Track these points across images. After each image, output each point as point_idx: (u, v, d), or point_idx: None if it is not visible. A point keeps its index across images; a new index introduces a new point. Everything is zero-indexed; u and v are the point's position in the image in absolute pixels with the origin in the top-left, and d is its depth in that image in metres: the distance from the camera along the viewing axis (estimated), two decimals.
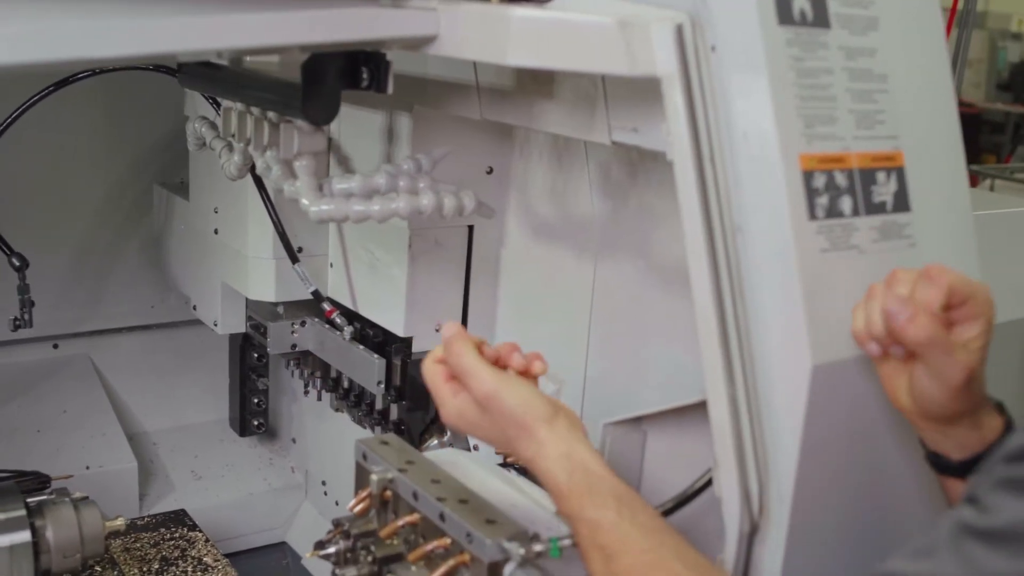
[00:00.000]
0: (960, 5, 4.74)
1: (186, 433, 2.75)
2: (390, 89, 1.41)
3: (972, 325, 1.09)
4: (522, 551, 1.21)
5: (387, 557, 1.38)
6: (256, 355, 2.53)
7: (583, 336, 1.73)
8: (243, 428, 2.61)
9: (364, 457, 1.47)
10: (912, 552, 0.81)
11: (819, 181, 1.17)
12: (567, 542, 1.23)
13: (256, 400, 2.59)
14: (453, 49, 1.30)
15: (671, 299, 1.57)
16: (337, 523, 1.46)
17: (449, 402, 1.26)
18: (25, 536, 1.61)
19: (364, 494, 1.43)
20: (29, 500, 1.67)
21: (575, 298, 1.74)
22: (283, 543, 2.61)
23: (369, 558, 1.39)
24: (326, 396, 2.23)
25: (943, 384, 1.07)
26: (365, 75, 1.41)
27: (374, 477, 1.40)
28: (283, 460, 2.71)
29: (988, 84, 9.06)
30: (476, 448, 1.89)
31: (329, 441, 2.50)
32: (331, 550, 1.44)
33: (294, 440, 2.67)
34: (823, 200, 1.17)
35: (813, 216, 1.16)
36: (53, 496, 1.73)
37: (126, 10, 1.25)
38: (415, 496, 1.36)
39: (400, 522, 1.37)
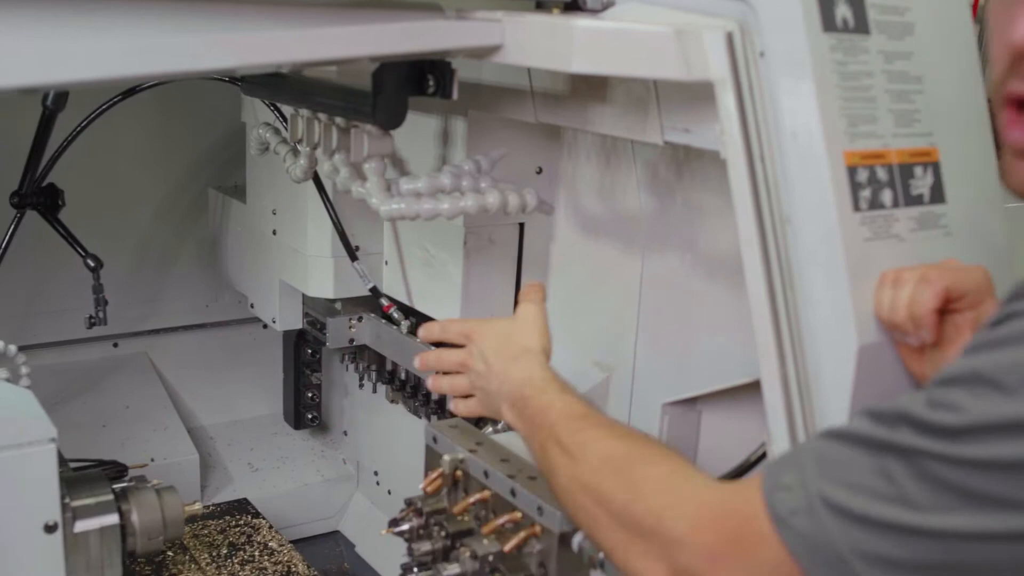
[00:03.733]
0: (981, 2, 4.81)
1: (242, 427, 2.86)
2: (455, 95, 1.51)
3: (973, 314, 1.18)
4: None
5: (459, 532, 1.49)
6: (310, 351, 2.63)
7: (632, 326, 1.82)
8: (297, 421, 2.72)
9: (434, 440, 1.57)
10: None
11: (862, 176, 1.26)
12: None
13: (310, 394, 2.69)
14: (518, 57, 1.39)
15: (717, 289, 1.67)
16: (409, 502, 1.56)
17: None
18: (113, 519, 1.70)
19: (436, 474, 1.53)
20: (114, 486, 1.77)
21: (624, 290, 1.83)
22: (336, 532, 2.72)
23: (442, 533, 1.50)
24: (381, 389, 2.33)
25: None
26: (431, 82, 1.51)
27: (446, 458, 1.50)
28: (335, 452, 2.82)
29: None
30: None
31: (380, 433, 2.60)
32: (405, 527, 1.55)
33: (345, 433, 2.78)
34: (866, 193, 1.26)
35: (857, 208, 1.25)
36: (135, 483, 1.83)
37: (209, 26, 1.34)
38: (486, 474, 1.46)
39: (472, 499, 1.47)
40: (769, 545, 0.90)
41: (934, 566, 0.81)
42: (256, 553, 2.13)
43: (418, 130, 1.99)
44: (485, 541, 1.44)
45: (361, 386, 2.44)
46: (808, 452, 0.92)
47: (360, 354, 2.35)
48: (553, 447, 1.19)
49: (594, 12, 1.49)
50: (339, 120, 1.70)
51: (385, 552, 2.42)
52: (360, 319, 2.27)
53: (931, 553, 0.81)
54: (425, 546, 1.50)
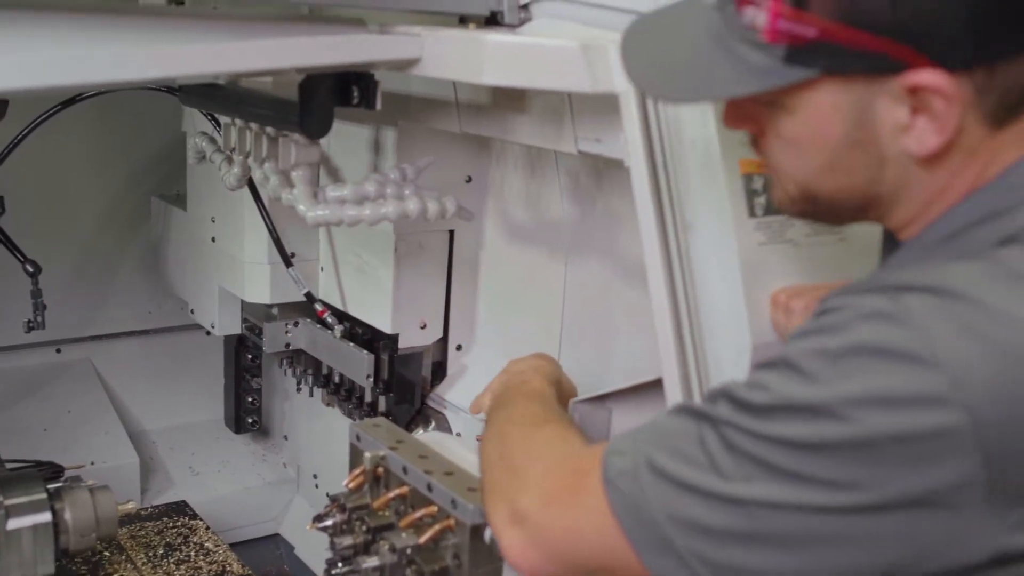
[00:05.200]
0: None
1: (183, 432, 2.90)
2: (378, 106, 1.57)
3: None
4: None
5: (379, 527, 1.54)
6: (250, 356, 2.68)
7: (556, 329, 1.89)
8: (238, 426, 2.76)
9: (358, 438, 1.62)
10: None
11: (757, 183, 1.33)
12: None
13: (250, 399, 2.74)
14: (435, 70, 1.46)
15: (635, 292, 1.73)
16: (333, 498, 1.61)
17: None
18: (46, 517, 1.74)
19: (358, 471, 1.58)
20: (49, 486, 1.80)
21: (548, 295, 1.90)
22: (276, 535, 2.76)
23: (363, 528, 1.55)
24: (318, 392, 2.38)
25: None
26: (356, 93, 1.58)
27: (367, 455, 1.56)
28: (276, 456, 2.86)
29: None
30: (459, 434, 2.05)
31: (318, 437, 2.65)
32: (328, 522, 1.60)
33: (286, 437, 2.82)
34: (761, 200, 1.33)
35: (752, 214, 1.32)
36: (69, 483, 1.86)
37: (140, 39, 1.39)
38: (405, 470, 1.51)
39: (391, 494, 1.52)
40: (595, 500, 0.97)
41: (735, 532, 0.88)
42: (192, 553, 2.17)
43: (351, 140, 2.05)
44: (404, 534, 1.49)
45: (299, 390, 2.48)
46: (649, 424, 1.00)
47: (297, 359, 2.39)
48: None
49: (512, 27, 1.55)
50: (269, 129, 1.75)
51: (324, 555, 2.46)
52: (296, 324, 2.31)
53: (733, 519, 0.88)
54: (347, 540, 1.55)
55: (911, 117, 0.92)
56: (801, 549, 0.86)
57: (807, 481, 0.85)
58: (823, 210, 1.04)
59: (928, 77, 0.89)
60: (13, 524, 1.69)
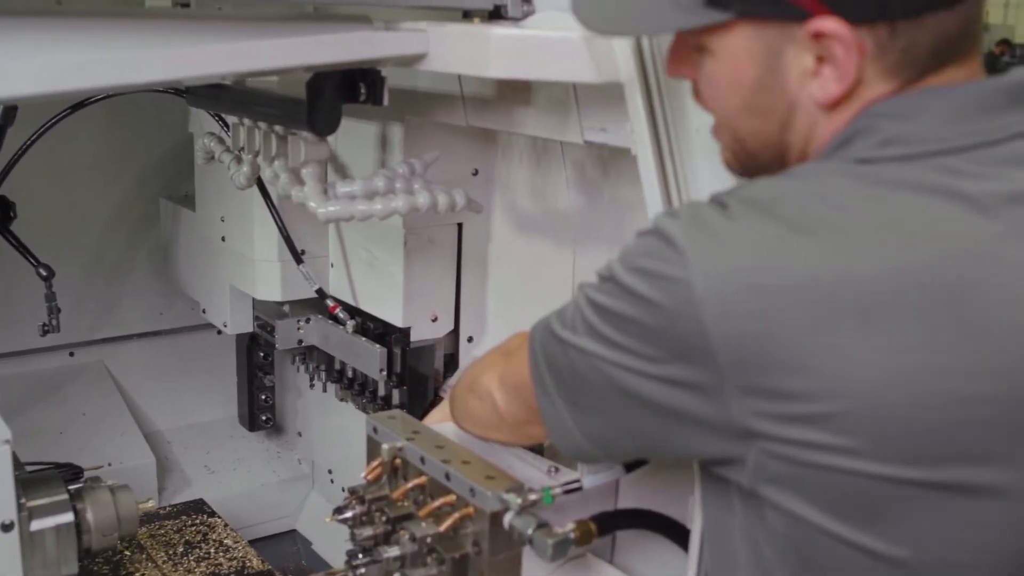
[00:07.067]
0: None
1: (198, 431, 2.92)
2: (386, 101, 1.59)
3: None
4: (519, 500, 1.39)
5: (399, 517, 1.56)
6: (262, 354, 2.70)
7: None
8: (252, 423, 2.79)
9: (375, 431, 1.64)
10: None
11: None
12: (558, 491, 1.42)
13: (263, 396, 2.76)
14: (441, 65, 1.48)
15: None
16: (352, 491, 1.63)
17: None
18: (68, 517, 1.75)
19: (376, 463, 1.60)
20: (69, 487, 1.82)
21: (557, 285, 1.91)
22: (294, 531, 2.79)
23: (383, 519, 1.57)
24: (330, 388, 2.40)
25: None
26: (363, 90, 1.59)
27: (385, 446, 1.57)
28: (290, 453, 2.88)
29: None
30: None
31: (333, 432, 2.67)
32: (348, 514, 1.61)
33: (300, 434, 2.84)
34: None
35: None
36: (89, 483, 1.88)
37: (147, 42, 1.41)
38: (422, 460, 1.53)
39: (410, 484, 1.54)
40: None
41: (558, 363, 1.12)
42: (212, 550, 2.19)
43: (358, 136, 2.07)
44: (423, 524, 1.51)
45: (312, 386, 2.51)
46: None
47: (310, 355, 2.42)
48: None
49: (515, 20, 1.57)
50: (278, 128, 1.77)
51: (342, 549, 2.48)
52: (308, 320, 2.34)
53: (565, 355, 1.10)
54: (367, 531, 1.57)
55: (816, 65, 1.02)
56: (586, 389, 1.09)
57: (596, 335, 1.04)
58: (752, 159, 1.14)
59: (829, 24, 0.99)
60: (36, 525, 1.70)
